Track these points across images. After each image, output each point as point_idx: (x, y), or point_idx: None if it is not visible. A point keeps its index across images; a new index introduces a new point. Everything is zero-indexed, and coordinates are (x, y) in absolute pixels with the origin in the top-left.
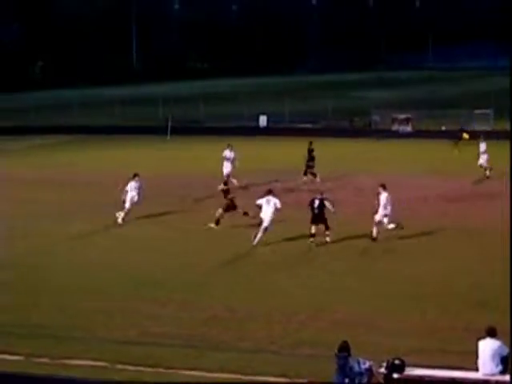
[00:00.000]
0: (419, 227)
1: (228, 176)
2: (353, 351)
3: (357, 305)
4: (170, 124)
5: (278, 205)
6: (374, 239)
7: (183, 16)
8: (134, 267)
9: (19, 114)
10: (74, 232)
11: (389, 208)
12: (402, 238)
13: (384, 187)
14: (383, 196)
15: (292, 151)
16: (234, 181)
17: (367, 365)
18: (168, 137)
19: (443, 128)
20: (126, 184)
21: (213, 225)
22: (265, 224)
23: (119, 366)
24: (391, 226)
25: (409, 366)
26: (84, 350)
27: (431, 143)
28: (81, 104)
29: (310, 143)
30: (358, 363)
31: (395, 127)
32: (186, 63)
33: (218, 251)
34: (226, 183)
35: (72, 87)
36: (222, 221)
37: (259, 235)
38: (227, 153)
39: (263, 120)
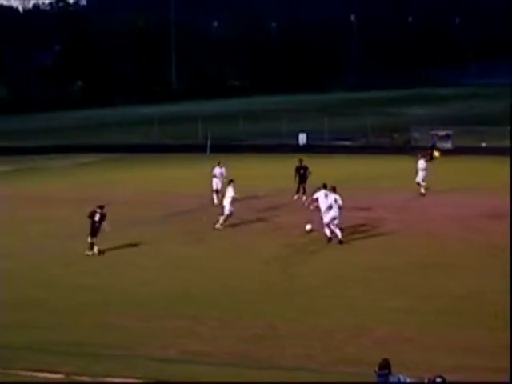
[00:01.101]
0: (464, 244)
1: (217, 192)
2: (393, 369)
3: (397, 322)
4: (209, 142)
5: (340, 201)
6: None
7: (222, 34)
8: (173, 285)
9: (59, 133)
10: (112, 250)
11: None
12: (441, 253)
13: (334, 189)
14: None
15: (331, 169)
16: (215, 197)
17: (408, 382)
18: (207, 154)
19: (483, 144)
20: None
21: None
22: (326, 220)
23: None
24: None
25: (450, 383)
26: (124, 368)
27: (471, 159)
28: (120, 123)
29: (301, 161)
30: (399, 381)
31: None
32: (225, 81)
33: (258, 269)
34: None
35: (111, 106)
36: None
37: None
38: (217, 170)
39: (303, 138)
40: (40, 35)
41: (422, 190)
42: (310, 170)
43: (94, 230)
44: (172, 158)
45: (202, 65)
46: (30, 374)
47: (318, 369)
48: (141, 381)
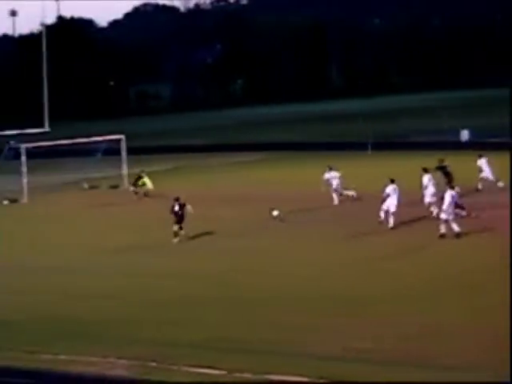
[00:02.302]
0: None
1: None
2: None
3: None
4: (370, 140)
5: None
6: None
7: (383, 30)
8: (337, 283)
9: (220, 132)
10: (272, 248)
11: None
12: None
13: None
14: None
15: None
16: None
17: None
18: (369, 152)
19: None
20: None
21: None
22: (392, 209)
23: (321, 381)
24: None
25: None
26: (286, 365)
27: None
28: (280, 121)
29: (441, 160)
30: None
31: None
32: (386, 78)
33: (421, 266)
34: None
35: (271, 104)
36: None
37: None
38: (328, 175)
39: (465, 134)
40: (201, 34)
41: None
42: (450, 169)
43: (179, 219)
44: (332, 156)
45: (363, 62)
46: (193, 370)
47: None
48: (305, 379)
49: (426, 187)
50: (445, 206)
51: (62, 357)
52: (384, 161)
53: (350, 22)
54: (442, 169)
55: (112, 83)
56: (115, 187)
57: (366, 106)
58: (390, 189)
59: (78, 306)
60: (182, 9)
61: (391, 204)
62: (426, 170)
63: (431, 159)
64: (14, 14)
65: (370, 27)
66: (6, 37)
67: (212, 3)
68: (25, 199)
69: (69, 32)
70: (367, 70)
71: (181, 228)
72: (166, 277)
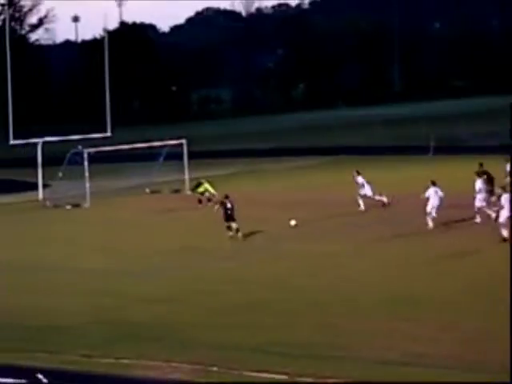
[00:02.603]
0: None
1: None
2: None
3: None
4: (432, 143)
5: (442, 194)
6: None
7: (444, 34)
8: (393, 286)
9: (281, 136)
10: (330, 252)
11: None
12: None
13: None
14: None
15: None
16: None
17: None
18: (430, 155)
19: None
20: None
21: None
22: (431, 212)
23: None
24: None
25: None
26: (345, 370)
27: None
28: (341, 125)
29: (481, 165)
30: None
31: None
32: (447, 81)
33: (478, 269)
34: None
35: (333, 108)
36: None
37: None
38: (359, 179)
39: None
40: (263, 38)
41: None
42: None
43: (228, 216)
44: (394, 159)
45: (425, 66)
46: (254, 374)
47: None
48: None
49: (479, 191)
50: (505, 211)
51: (124, 361)
52: (445, 164)
53: (410, 26)
54: (484, 174)
55: (174, 88)
56: (177, 192)
57: (427, 109)
58: (430, 191)
59: (139, 310)
60: (244, 13)
61: (431, 206)
62: (479, 175)
63: (493, 163)
64: (76, 19)
65: (431, 31)
66: (68, 42)
67: (273, 7)
68: (87, 204)
69: (131, 37)
70: (428, 74)
71: (234, 225)
72: (227, 281)
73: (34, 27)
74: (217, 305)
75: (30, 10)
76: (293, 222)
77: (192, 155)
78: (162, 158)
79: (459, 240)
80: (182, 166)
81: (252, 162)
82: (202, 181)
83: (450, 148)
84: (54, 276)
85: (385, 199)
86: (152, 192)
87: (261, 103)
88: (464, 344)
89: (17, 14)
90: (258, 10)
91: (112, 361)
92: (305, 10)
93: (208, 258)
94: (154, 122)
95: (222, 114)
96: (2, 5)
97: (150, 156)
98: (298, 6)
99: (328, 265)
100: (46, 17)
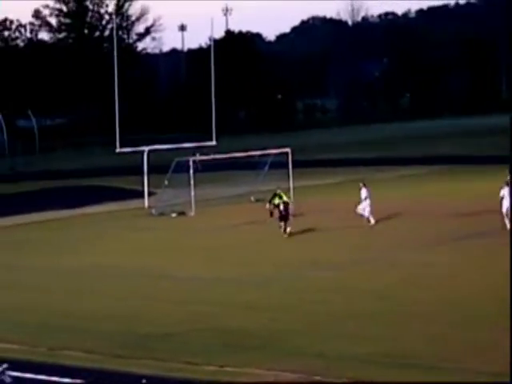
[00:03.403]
0: None
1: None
2: None
3: None
4: None
5: None
6: None
7: None
8: (500, 295)
9: (387, 145)
10: (436, 262)
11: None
12: None
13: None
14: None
15: None
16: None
17: None
18: None
19: None
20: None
21: None
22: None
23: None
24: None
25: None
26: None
27: None
28: (448, 134)
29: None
30: None
31: None
32: None
33: None
34: None
35: (439, 117)
36: None
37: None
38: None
39: None
40: (368, 47)
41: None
42: None
43: (282, 217)
44: (500, 169)
45: None
46: None
47: None
48: None
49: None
50: None
51: (228, 369)
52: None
53: None
54: None
55: (279, 97)
56: None
57: None
58: (505, 191)
59: (243, 318)
60: (350, 22)
61: (506, 206)
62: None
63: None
64: (183, 28)
65: None
66: (175, 51)
67: (380, 16)
68: (192, 212)
69: (237, 46)
70: None
71: (285, 225)
72: (331, 290)
73: (142, 36)
74: (321, 314)
75: (138, 19)
76: (288, 230)
77: (296, 164)
78: (266, 167)
79: None
80: (286, 174)
81: (356, 171)
82: (278, 191)
83: None
84: (157, 283)
85: (372, 221)
86: (257, 200)
87: (366, 112)
88: None
89: (124, 23)
90: (364, 18)
91: (216, 368)
92: (411, 19)
93: (314, 267)
94: (259, 131)
95: (327, 123)
96: (110, 14)
97: (254, 164)
98: (405, 14)
99: (435, 275)
100: (153, 26)
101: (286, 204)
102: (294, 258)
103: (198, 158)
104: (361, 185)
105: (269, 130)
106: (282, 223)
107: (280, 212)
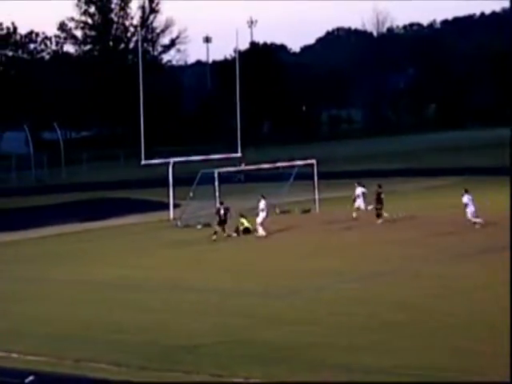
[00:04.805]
0: None
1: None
2: None
3: None
4: None
5: None
6: None
7: None
8: None
9: (413, 156)
10: (464, 274)
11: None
12: None
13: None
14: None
15: None
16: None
17: None
18: None
19: None
20: None
21: None
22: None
23: None
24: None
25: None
26: None
27: None
28: (472, 146)
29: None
30: None
31: None
32: None
33: None
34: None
35: (464, 128)
36: None
37: None
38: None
39: None
40: (394, 58)
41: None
42: None
43: (221, 221)
44: None
45: None
46: None
47: None
48: None
49: None
50: None
51: (252, 380)
52: None
53: None
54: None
55: (304, 108)
56: (307, 211)
57: None
58: (465, 198)
59: (269, 330)
60: (375, 33)
61: (470, 211)
62: None
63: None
64: (207, 40)
65: None
66: (199, 63)
67: (405, 27)
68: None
69: (261, 57)
70: None
71: (223, 230)
72: (358, 302)
73: (167, 48)
74: (347, 326)
75: (163, 31)
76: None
77: (321, 175)
78: (292, 178)
79: None
80: (311, 186)
81: (384, 182)
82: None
83: None
84: (185, 296)
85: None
86: (282, 212)
87: (392, 123)
88: None
89: (149, 36)
90: (389, 29)
91: (241, 380)
92: (436, 30)
93: (339, 278)
94: (284, 143)
95: (352, 134)
96: (135, 26)
97: (279, 176)
98: (430, 25)
99: (462, 287)
100: (178, 37)
101: (226, 209)
102: (315, 269)
103: (223, 169)
104: (356, 184)
105: (294, 141)
106: (220, 228)
107: (220, 216)
